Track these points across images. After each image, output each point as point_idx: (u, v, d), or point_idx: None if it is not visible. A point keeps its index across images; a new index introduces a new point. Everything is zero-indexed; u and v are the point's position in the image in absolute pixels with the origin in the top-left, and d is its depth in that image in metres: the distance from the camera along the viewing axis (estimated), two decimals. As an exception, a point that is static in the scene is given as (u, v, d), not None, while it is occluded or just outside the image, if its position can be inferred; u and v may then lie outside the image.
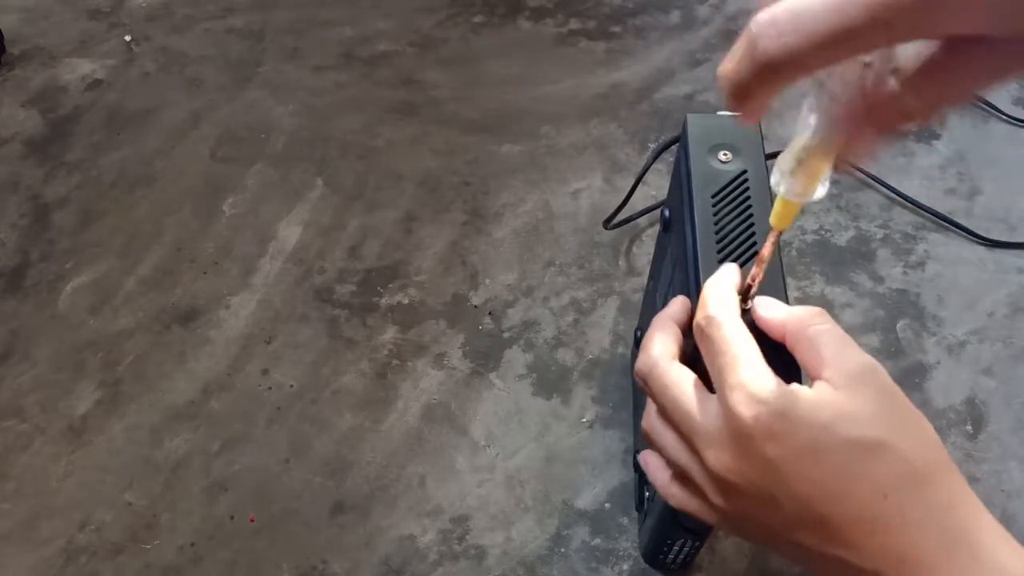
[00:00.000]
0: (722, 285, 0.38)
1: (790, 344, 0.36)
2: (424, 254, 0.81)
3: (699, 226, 0.45)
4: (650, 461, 0.43)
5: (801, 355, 0.36)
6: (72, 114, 0.96)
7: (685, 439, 0.37)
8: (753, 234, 0.44)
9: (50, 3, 1.10)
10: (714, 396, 0.36)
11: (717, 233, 0.45)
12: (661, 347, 0.40)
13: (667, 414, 0.38)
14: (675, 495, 0.40)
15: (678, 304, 0.43)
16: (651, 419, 0.40)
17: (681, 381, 0.37)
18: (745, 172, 0.47)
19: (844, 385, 0.33)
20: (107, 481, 0.67)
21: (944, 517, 0.32)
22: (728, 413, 0.34)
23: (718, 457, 0.35)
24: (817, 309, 0.36)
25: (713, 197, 0.46)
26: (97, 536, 0.64)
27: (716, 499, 0.36)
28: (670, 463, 0.39)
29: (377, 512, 0.65)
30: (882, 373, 0.34)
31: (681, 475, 0.39)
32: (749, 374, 0.34)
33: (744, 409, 0.33)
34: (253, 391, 0.72)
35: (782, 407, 0.33)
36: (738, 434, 0.33)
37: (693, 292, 0.43)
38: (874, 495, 0.32)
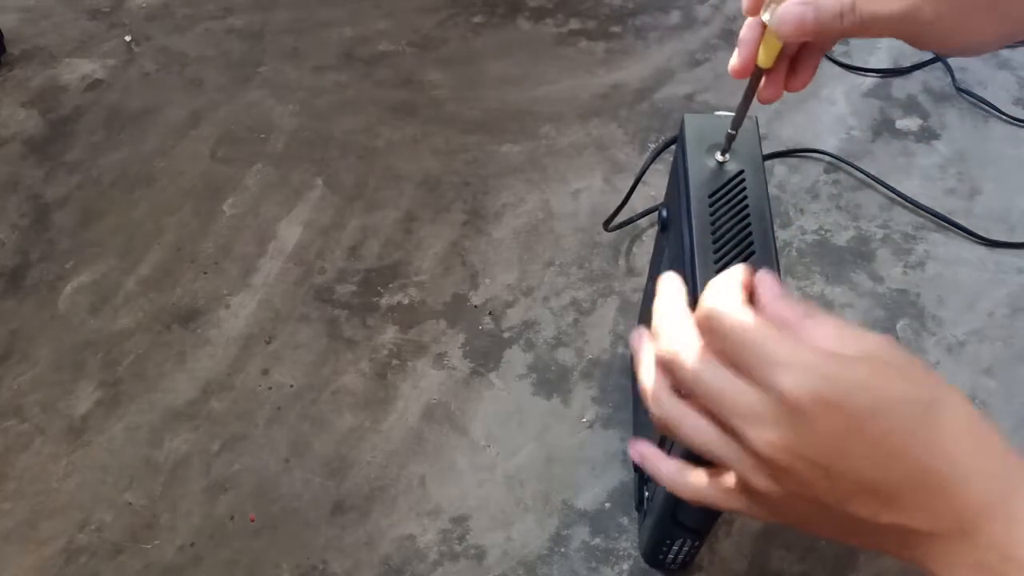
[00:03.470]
0: (721, 282, 0.36)
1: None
2: (424, 254, 0.81)
3: (696, 226, 0.45)
4: (648, 453, 0.41)
5: None
6: (72, 114, 0.96)
7: (720, 423, 0.35)
8: (750, 234, 0.44)
9: (50, 3, 1.10)
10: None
11: (714, 233, 0.45)
12: (686, 329, 0.37)
13: (703, 397, 0.35)
14: (689, 485, 0.38)
15: (678, 282, 0.40)
16: (672, 406, 0.37)
17: (715, 364, 0.35)
18: (742, 172, 0.47)
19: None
20: (107, 481, 0.67)
21: (999, 464, 0.32)
22: (776, 392, 0.32)
23: (766, 438, 0.32)
24: (801, 309, 0.35)
25: (710, 197, 0.46)
26: (97, 536, 0.64)
27: (760, 482, 0.34)
28: (696, 451, 0.36)
29: (377, 512, 0.65)
30: (895, 344, 0.33)
31: (701, 463, 0.37)
32: (787, 351, 0.32)
33: (794, 385, 0.31)
34: (253, 391, 0.72)
35: (833, 374, 0.31)
36: (791, 411, 0.32)
37: (689, 292, 0.43)
38: (934, 449, 0.31)
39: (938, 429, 0.31)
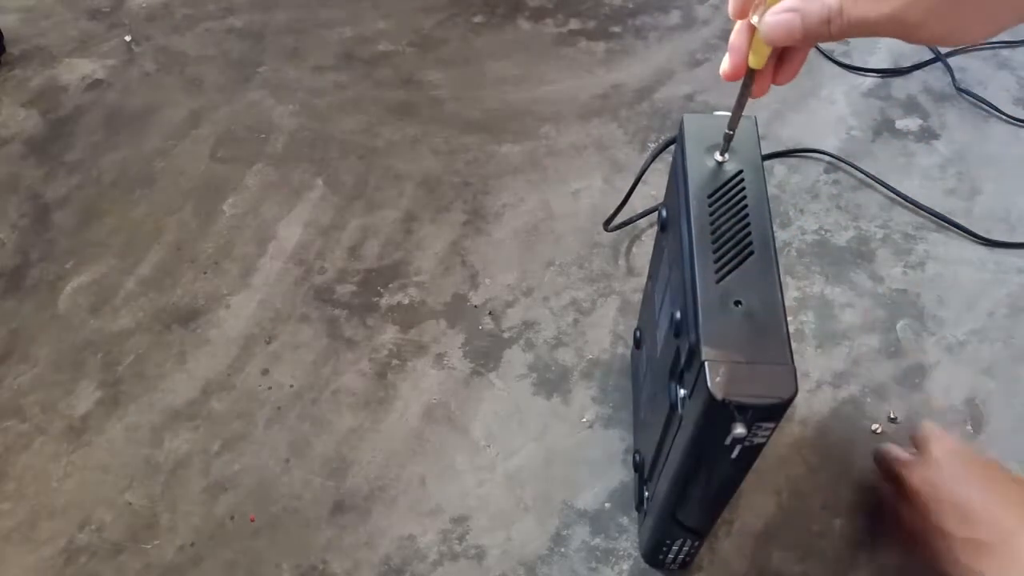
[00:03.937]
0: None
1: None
2: (424, 254, 0.81)
3: (695, 226, 0.45)
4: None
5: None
6: (72, 114, 0.96)
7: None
8: (749, 233, 0.44)
9: (50, 3, 1.10)
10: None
11: (713, 233, 0.45)
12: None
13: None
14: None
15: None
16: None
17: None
18: (741, 172, 0.47)
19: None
20: (107, 481, 0.67)
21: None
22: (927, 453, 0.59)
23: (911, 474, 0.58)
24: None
25: (709, 197, 0.46)
26: (97, 536, 0.64)
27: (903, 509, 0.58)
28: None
29: (377, 512, 0.65)
30: None
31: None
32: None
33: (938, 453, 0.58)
34: (253, 391, 0.72)
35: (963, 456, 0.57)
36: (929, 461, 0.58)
37: (688, 292, 0.43)
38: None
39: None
